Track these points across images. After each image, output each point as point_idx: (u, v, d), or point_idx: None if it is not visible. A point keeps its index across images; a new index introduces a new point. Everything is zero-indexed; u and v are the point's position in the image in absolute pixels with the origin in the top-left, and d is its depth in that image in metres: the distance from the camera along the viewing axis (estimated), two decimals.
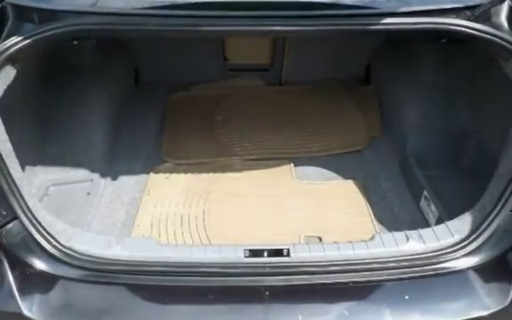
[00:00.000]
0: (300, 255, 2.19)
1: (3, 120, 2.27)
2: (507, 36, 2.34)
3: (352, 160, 3.53)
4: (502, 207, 2.25)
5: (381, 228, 2.90)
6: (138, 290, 2.18)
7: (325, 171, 3.41)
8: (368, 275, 2.16)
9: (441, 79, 3.48)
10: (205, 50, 4.18)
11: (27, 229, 2.19)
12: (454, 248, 2.21)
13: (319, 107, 4.06)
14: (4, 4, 2.43)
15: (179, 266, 2.18)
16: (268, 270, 2.15)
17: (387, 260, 2.19)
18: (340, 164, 3.46)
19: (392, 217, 3.00)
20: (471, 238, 2.22)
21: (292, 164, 3.45)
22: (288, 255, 2.19)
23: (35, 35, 2.30)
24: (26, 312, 2.07)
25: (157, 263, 2.19)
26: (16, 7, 2.41)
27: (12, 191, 2.19)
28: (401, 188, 3.22)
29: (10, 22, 2.39)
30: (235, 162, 3.51)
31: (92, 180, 3.17)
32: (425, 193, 2.96)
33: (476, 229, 2.25)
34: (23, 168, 2.47)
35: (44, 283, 2.17)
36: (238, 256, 2.20)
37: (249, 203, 3.11)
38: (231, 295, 2.17)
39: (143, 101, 4.08)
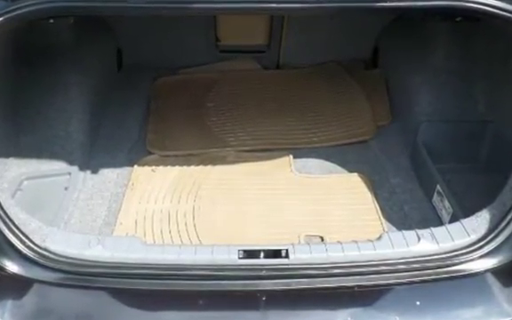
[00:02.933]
0: (299, 256, 2.19)
1: None
2: None
3: (357, 151, 3.52)
4: None
5: (390, 226, 2.90)
6: (120, 294, 2.17)
7: (327, 163, 3.40)
8: (375, 278, 2.16)
9: (456, 63, 3.47)
10: (195, 29, 4.16)
11: None
12: (470, 248, 2.21)
13: (321, 92, 4.06)
14: None
15: (166, 268, 2.17)
16: (264, 273, 2.15)
17: (396, 261, 2.18)
18: (343, 156, 3.45)
19: (402, 214, 2.99)
20: (489, 238, 2.22)
21: (291, 156, 3.44)
22: (287, 256, 2.18)
23: (6, 13, 2.27)
24: None
25: (142, 265, 2.18)
26: None
27: None
28: (411, 182, 3.22)
29: None
30: (228, 153, 3.50)
31: (69, 174, 3.15)
32: (438, 188, 2.95)
33: (494, 228, 2.25)
34: None
35: (17, 287, 2.16)
36: (232, 257, 2.19)
37: (243, 198, 3.10)
38: (224, 300, 2.16)
39: (126, 86, 4.08)
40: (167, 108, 3.89)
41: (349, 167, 3.36)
